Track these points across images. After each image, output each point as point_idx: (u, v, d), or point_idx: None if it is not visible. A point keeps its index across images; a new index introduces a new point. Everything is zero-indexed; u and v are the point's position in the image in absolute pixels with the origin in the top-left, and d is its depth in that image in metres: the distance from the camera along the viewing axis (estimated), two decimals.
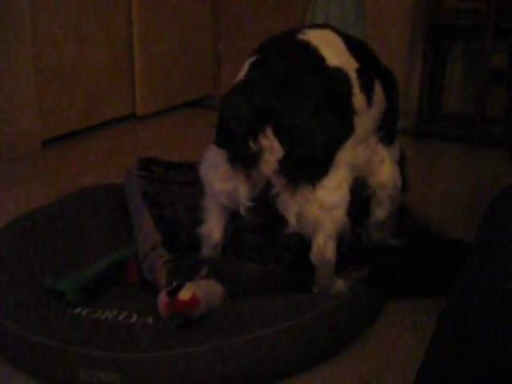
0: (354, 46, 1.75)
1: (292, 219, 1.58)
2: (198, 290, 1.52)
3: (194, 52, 4.29)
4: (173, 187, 2.24)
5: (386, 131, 1.84)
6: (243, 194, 1.60)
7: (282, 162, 1.50)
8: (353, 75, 1.64)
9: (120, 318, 1.56)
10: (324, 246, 1.61)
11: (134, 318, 1.57)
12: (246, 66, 1.63)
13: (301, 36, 1.63)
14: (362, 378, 1.51)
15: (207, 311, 1.55)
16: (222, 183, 1.62)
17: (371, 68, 1.78)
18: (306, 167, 1.53)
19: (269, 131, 1.48)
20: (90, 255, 1.89)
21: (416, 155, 3.38)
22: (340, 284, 1.70)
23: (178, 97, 4.25)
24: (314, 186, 1.54)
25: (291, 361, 1.52)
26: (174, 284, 1.51)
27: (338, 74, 1.60)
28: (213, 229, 1.74)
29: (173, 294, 1.48)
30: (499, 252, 1.30)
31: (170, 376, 1.42)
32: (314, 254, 1.63)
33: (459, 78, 3.76)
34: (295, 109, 1.50)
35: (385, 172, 1.84)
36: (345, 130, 1.60)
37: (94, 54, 3.57)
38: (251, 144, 1.49)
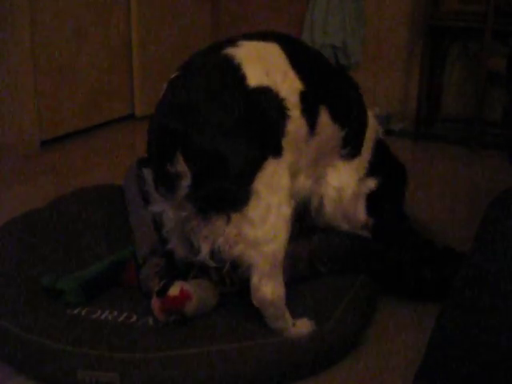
0: (305, 64, 1.60)
1: (204, 247, 1.44)
2: (188, 286, 1.53)
3: (193, 52, 4.29)
4: None
5: (352, 148, 1.76)
6: (169, 218, 1.48)
7: (191, 188, 1.36)
8: (291, 98, 1.50)
9: (120, 319, 1.56)
10: (260, 287, 1.44)
11: (134, 318, 1.57)
12: (167, 82, 1.53)
13: (228, 51, 1.49)
14: (362, 379, 1.51)
15: (203, 308, 1.55)
16: (151, 205, 1.52)
17: (321, 91, 1.64)
18: (220, 195, 1.38)
19: (179, 155, 1.34)
20: (89, 255, 1.89)
21: (414, 157, 3.38)
22: (301, 324, 1.53)
23: None
24: (231, 214, 1.39)
25: (292, 366, 1.51)
26: (162, 284, 1.52)
27: (260, 94, 1.44)
28: (175, 247, 1.59)
29: (162, 293, 1.49)
30: (498, 253, 1.31)
31: (169, 377, 1.42)
32: (254, 296, 1.46)
33: (458, 80, 3.77)
34: (204, 132, 1.36)
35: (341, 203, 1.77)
36: (263, 153, 1.41)
37: (93, 54, 3.56)
38: (169, 167, 1.35)
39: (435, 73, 3.70)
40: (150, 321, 1.55)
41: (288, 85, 1.51)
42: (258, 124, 1.42)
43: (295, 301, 1.59)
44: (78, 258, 1.88)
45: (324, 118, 1.64)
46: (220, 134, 1.36)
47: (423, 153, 3.46)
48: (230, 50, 1.49)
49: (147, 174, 1.47)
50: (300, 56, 1.61)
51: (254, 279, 1.44)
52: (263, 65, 1.49)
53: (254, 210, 1.40)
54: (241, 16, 4.29)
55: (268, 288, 1.44)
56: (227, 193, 1.38)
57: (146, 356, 1.43)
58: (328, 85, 1.70)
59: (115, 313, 1.59)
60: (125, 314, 1.58)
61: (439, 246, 1.97)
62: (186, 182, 1.36)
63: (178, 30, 4.11)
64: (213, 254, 1.45)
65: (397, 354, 1.60)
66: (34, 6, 3.11)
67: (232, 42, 1.54)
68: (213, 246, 1.43)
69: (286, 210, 1.46)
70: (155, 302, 1.52)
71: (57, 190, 2.59)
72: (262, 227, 1.41)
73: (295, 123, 1.50)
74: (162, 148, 1.37)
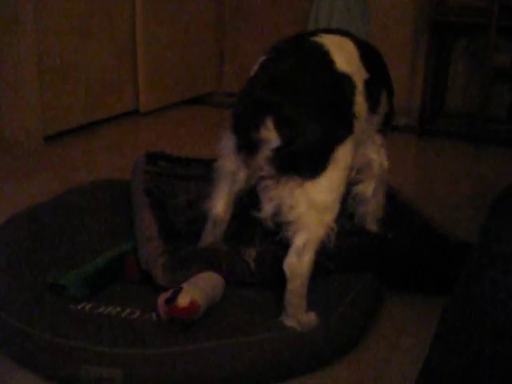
0: (368, 55, 1.78)
1: (268, 207, 1.55)
2: (197, 293, 1.51)
3: (198, 48, 4.29)
4: (178, 181, 2.24)
5: (385, 126, 1.93)
6: (241, 178, 1.65)
7: (276, 151, 1.49)
8: (359, 85, 1.67)
9: (123, 314, 1.56)
10: (302, 251, 1.50)
11: (137, 313, 1.57)
12: (257, 63, 1.67)
13: (315, 38, 1.67)
14: (362, 379, 1.51)
15: (209, 309, 1.55)
16: (226, 162, 1.67)
17: (380, 78, 1.85)
18: (301, 160, 1.51)
19: (269, 122, 1.49)
20: (92, 250, 1.88)
21: (419, 153, 3.38)
22: (310, 318, 1.55)
23: (182, 93, 4.25)
24: (305, 180, 1.51)
25: (297, 360, 1.51)
26: (171, 292, 1.50)
27: (345, 79, 1.62)
28: (217, 203, 1.73)
29: (171, 301, 1.48)
30: (503, 248, 1.30)
31: (172, 373, 1.42)
32: (289, 260, 1.50)
33: (463, 75, 3.76)
34: (296, 103, 1.52)
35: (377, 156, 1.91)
36: (344, 129, 1.59)
37: (98, 50, 3.57)
38: (254, 134, 1.51)
39: (440, 68, 3.69)
40: (154, 316, 1.55)
41: (359, 74, 1.69)
42: (341, 104, 1.61)
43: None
44: (82, 253, 1.87)
45: (380, 101, 1.84)
46: (311, 106, 1.52)
47: (427, 148, 3.46)
48: (318, 39, 1.66)
49: (227, 139, 1.64)
50: (364, 50, 1.79)
51: (299, 244, 1.51)
52: (345, 55, 1.68)
53: (327, 179, 1.53)
54: (245, 12, 4.29)
55: (306, 257, 1.51)
56: (308, 159, 1.51)
57: (149, 352, 1.42)
58: (381, 73, 1.90)
59: (119, 308, 1.58)
60: (128, 310, 1.58)
61: (452, 239, 1.98)
62: (269, 147, 1.50)
63: (183, 25, 4.11)
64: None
65: (398, 353, 1.59)
66: (38, 3, 3.11)
67: (314, 34, 1.72)
68: (276, 207, 1.55)
69: (343, 187, 1.60)
70: (162, 306, 1.51)
71: (60, 186, 2.59)
72: (329, 196, 1.54)
73: (361, 107, 1.67)
74: (252, 116, 1.52)
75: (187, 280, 1.61)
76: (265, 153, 1.51)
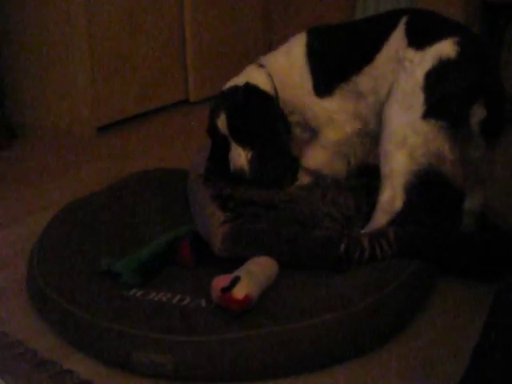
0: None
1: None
2: (253, 286, 1.52)
3: (246, 39, 4.28)
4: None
5: None
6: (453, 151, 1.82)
7: (482, 124, 1.73)
8: None
9: (174, 301, 1.59)
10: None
11: (188, 300, 1.59)
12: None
13: None
14: (410, 364, 1.49)
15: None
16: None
17: None
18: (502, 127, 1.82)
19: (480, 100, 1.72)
20: (145, 237, 1.92)
21: None
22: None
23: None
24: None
25: (342, 349, 1.50)
26: (229, 279, 1.50)
27: None
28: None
29: (227, 289, 1.48)
30: None
31: (221, 360, 1.43)
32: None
33: None
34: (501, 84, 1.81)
35: None
36: None
37: (147, 40, 3.60)
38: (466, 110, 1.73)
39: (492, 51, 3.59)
40: (203, 303, 1.57)
41: None
42: None
43: (348, 280, 1.64)
44: (136, 240, 1.91)
45: None
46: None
47: None
48: None
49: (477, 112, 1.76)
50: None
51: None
52: None
53: None
54: (292, 4, 4.26)
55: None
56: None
57: (199, 339, 1.44)
58: None
59: (169, 294, 1.61)
60: (178, 296, 1.60)
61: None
62: (477, 120, 1.72)
63: (230, 17, 4.11)
64: None
65: (450, 339, 1.57)
66: None
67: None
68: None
69: None
70: (216, 291, 1.51)
71: (113, 175, 2.63)
72: None
73: None
74: (466, 96, 1.74)
75: (246, 260, 1.64)
76: (474, 127, 1.73)
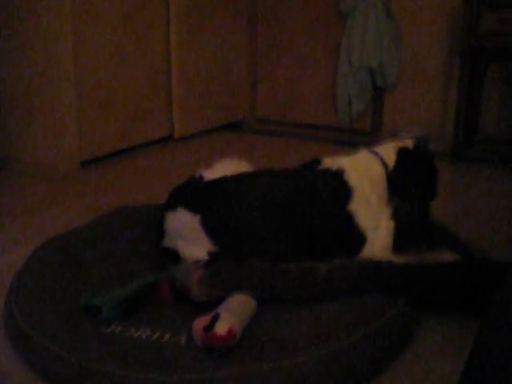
0: None
1: None
2: (234, 320, 1.51)
3: (231, 75, 4.34)
4: None
5: None
6: None
7: None
8: None
9: (153, 338, 1.57)
10: None
11: (167, 336, 1.57)
12: None
13: None
14: None
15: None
16: None
17: None
18: None
19: None
20: (127, 273, 1.92)
21: (453, 179, 3.35)
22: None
23: (215, 119, 4.29)
24: None
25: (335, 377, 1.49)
26: (209, 318, 1.50)
27: None
28: None
29: (209, 328, 1.47)
30: None
31: None
32: None
33: (496, 101, 3.73)
34: None
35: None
36: None
37: (132, 76, 3.63)
38: None
39: (473, 94, 3.66)
40: (183, 340, 1.55)
41: None
42: None
43: (334, 314, 1.64)
44: (117, 277, 1.90)
45: None
46: None
47: (462, 174, 3.43)
48: None
49: None
50: None
51: None
52: None
53: None
54: (277, 35, 4.32)
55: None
56: None
57: (180, 378, 1.42)
58: None
59: (148, 331, 1.60)
60: (158, 333, 1.59)
61: (478, 257, 1.96)
62: None
63: (216, 53, 4.16)
64: None
65: (435, 376, 1.57)
66: (77, 32, 3.19)
67: None
68: None
69: None
70: (199, 333, 1.49)
71: (97, 209, 2.63)
72: None
73: None
74: None
75: (223, 299, 1.63)
76: None
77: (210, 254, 1.81)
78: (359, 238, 1.89)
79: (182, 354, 1.50)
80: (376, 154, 2.03)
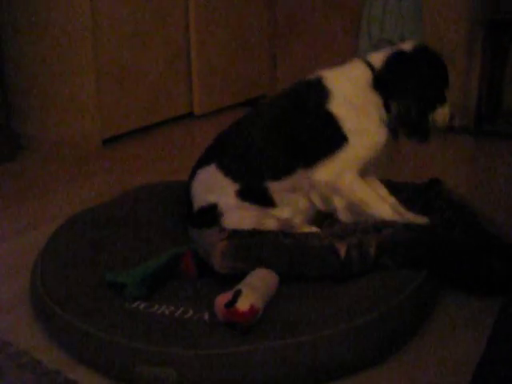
0: None
1: None
2: (257, 297, 1.51)
3: (251, 51, 4.32)
4: None
5: None
6: None
7: None
8: None
9: (177, 314, 1.58)
10: None
11: (190, 313, 1.58)
12: None
13: None
14: (414, 377, 1.48)
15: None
16: None
17: None
18: None
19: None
20: (150, 250, 1.93)
21: (475, 154, 3.32)
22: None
23: (235, 96, 4.28)
24: None
25: (346, 362, 1.49)
26: (231, 294, 1.50)
27: None
28: None
29: (231, 304, 1.47)
30: None
31: (224, 374, 1.42)
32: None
33: None
34: None
35: None
36: None
37: (152, 55, 3.63)
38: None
39: (496, 68, 3.61)
40: (206, 316, 1.56)
41: None
42: None
43: (353, 291, 1.63)
44: (140, 253, 1.91)
45: None
46: None
47: (484, 149, 3.39)
48: None
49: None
50: None
51: None
52: None
53: None
54: (296, 14, 4.29)
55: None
56: None
57: (202, 353, 1.43)
58: None
59: (172, 307, 1.61)
60: (181, 309, 1.60)
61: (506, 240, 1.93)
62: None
63: (235, 29, 4.14)
64: None
65: (453, 353, 1.56)
66: (95, 11, 3.19)
67: None
68: None
69: None
70: (221, 309, 1.50)
71: (117, 188, 2.65)
72: None
73: None
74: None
75: (246, 272, 1.64)
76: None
77: (236, 192, 1.90)
78: (340, 139, 1.90)
79: (205, 329, 1.51)
80: (365, 60, 2.03)
